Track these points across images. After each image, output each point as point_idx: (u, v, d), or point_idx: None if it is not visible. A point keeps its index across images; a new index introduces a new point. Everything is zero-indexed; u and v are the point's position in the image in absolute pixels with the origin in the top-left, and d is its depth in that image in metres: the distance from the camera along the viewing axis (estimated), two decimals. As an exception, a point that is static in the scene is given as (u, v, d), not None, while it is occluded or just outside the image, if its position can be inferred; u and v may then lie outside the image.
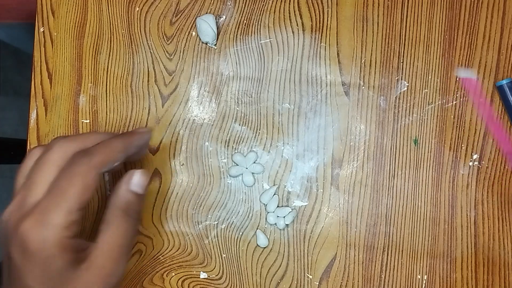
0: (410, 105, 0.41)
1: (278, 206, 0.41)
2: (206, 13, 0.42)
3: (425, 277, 0.40)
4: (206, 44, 0.42)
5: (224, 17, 0.42)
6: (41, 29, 0.43)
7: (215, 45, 0.42)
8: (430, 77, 0.41)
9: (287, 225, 0.41)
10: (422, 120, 0.41)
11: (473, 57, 0.41)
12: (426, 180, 0.41)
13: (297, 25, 0.41)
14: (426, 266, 0.40)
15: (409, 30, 0.41)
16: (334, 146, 0.41)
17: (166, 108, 0.42)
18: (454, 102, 0.41)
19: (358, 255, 0.41)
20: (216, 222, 0.41)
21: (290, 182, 0.41)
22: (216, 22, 0.42)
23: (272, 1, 0.42)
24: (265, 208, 0.41)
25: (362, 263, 0.41)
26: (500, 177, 0.40)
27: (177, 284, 0.41)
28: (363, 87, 0.41)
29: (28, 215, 0.30)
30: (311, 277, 0.41)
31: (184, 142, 0.42)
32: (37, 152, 0.33)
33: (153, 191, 0.41)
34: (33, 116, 0.42)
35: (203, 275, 0.41)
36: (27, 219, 0.29)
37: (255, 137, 0.41)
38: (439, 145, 0.41)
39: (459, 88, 0.41)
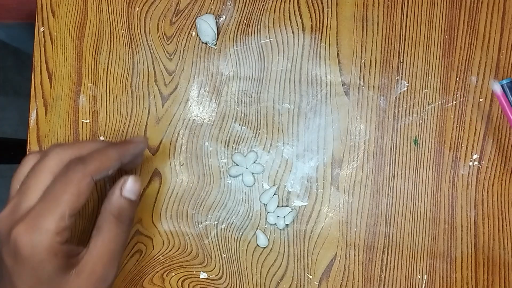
0: (410, 105, 0.41)
1: (278, 206, 0.41)
2: (206, 13, 0.42)
3: (425, 277, 0.40)
4: (206, 44, 0.42)
5: (224, 17, 0.42)
6: (41, 29, 0.43)
7: (215, 45, 0.42)
8: (430, 77, 0.41)
9: (287, 225, 0.41)
10: (422, 120, 0.41)
11: (473, 57, 0.41)
12: (426, 180, 0.41)
13: (297, 25, 0.41)
14: (426, 266, 0.40)
15: (409, 30, 0.41)
16: (334, 146, 0.41)
17: (166, 108, 0.42)
18: (454, 102, 0.41)
19: (358, 255, 0.41)
20: (216, 222, 0.41)
21: (290, 182, 0.41)
22: (216, 22, 0.42)
23: (272, 1, 0.42)
24: (265, 208, 0.41)
25: (362, 263, 0.41)
26: (500, 177, 0.40)
27: (177, 284, 0.41)
28: (363, 87, 0.41)
29: (21, 220, 0.30)
30: (311, 277, 0.41)
31: (184, 142, 0.42)
32: (32, 158, 0.34)
33: (153, 191, 0.41)
34: (33, 116, 0.42)
35: (203, 275, 0.41)
36: (20, 224, 0.30)
37: (255, 137, 0.41)
38: (439, 145, 0.41)
39: (459, 88, 0.41)
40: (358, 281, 0.41)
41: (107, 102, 0.42)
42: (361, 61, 0.41)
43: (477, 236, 0.40)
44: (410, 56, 0.41)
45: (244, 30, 0.42)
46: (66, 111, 0.42)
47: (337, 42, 0.41)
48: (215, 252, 0.41)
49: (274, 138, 0.41)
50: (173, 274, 0.41)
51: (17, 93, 1.20)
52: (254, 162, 0.41)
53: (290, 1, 0.41)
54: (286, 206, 0.41)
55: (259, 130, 0.41)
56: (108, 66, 0.42)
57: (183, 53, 0.42)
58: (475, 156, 0.40)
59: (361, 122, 0.41)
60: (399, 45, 0.41)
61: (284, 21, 0.42)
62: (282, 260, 0.41)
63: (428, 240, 0.40)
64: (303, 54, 0.41)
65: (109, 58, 0.42)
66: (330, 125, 0.41)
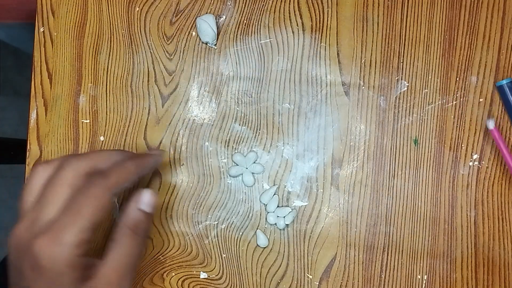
0: (410, 105, 0.41)
1: (278, 206, 0.41)
2: (206, 13, 0.42)
3: (425, 277, 0.40)
4: (206, 44, 0.42)
5: (224, 17, 0.42)
6: (41, 29, 0.43)
7: (215, 45, 0.42)
8: (430, 77, 0.41)
9: (287, 225, 0.41)
10: (422, 120, 0.41)
11: (473, 57, 0.41)
12: (426, 180, 0.41)
13: (297, 25, 0.41)
14: (426, 266, 0.40)
15: (409, 30, 0.41)
16: (334, 146, 0.41)
17: (166, 108, 0.42)
18: (454, 102, 0.41)
19: (358, 255, 0.41)
20: (216, 222, 0.41)
21: (290, 182, 0.41)
22: (216, 22, 0.42)
23: (272, 1, 0.42)
24: (265, 208, 0.41)
25: (362, 263, 0.41)
26: (500, 177, 0.40)
27: (177, 284, 0.41)
28: (363, 87, 0.41)
29: (42, 233, 0.31)
30: (311, 277, 0.41)
31: (184, 142, 0.42)
32: (42, 170, 0.34)
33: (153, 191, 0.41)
34: (33, 116, 0.42)
35: (203, 275, 0.41)
36: (41, 237, 0.30)
37: (255, 137, 0.41)
38: (439, 145, 0.41)
39: (459, 88, 0.41)
40: (358, 281, 0.41)
41: (107, 102, 0.42)
42: (361, 61, 0.41)
43: (477, 236, 0.40)
44: (410, 56, 0.41)
45: (244, 30, 0.42)
46: (66, 111, 0.42)
47: (337, 42, 0.41)
48: (215, 252, 0.41)
49: (274, 138, 0.41)
50: (173, 274, 0.41)
51: (17, 93, 1.20)
52: (254, 162, 0.41)
53: (290, 1, 0.41)
54: (286, 206, 0.41)
55: (259, 130, 0.41)
56: (108, 66, 0.42)
57: (183, 53, 0.42)
58: (475, 156, 0.40)
59: (361, 122, 0.41)
60: (399, 45, 0.41)
61: (284, 21, 0.42)
62: (282, 260, 0.41)
63: (428, 240, 0.40)
64: (303, 54, 0.41)
65: (109, 58, 0.42)
66: (330, 125, 0.41)
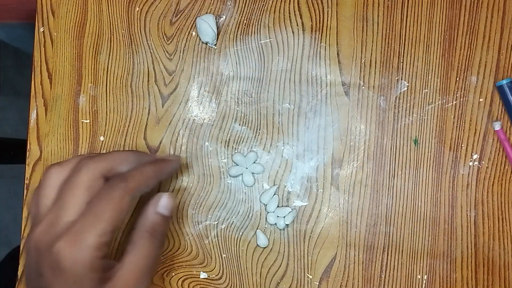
0: (410, 105, 0.41)
1: (278, 206, 0.41)
2: (206, 13, 0.42)
3: (425, 277, 0.40)
4: (206, 44, 0.42)
5: (224, 17, 0.42)
6: (41, 29, 0.43)
7: (215, 45, 0.42)
8: (430, 77, 0.41)
9: (287, 225, 0.41)
10: (422, 120, 0.41)
11: (473, 57, 0.41)
12: (426, 180, 0.41)
13: (297, 25, 0.41)
14: (426, 266, 0.40)
15: (409, 30, 0.41)
16: (334, 146, 0.41)
17: (166, 108, 0.42)
18: (454, 102, 0.41)
19: (358, 255, 0.41)
20: (216, 222, 0.41)
21: (290, 182, 0.41)
22: (216, 22, 0.42)
23: (272, 1, 0.42)
24: (265, 208, 0.41)
25: (362, 263, 0.41)
26: (500, 177, 0.40)
27: (177, 284, 0.41)
28: (363, 87, 0.41)
29: (63, 235, 0.31)
30: (311, 277, 0.41)
31: (184, 142, 0.42)
32: (55, 172, 0.34)
33: (153, 191, 0.41)
34: (33, 116, 0.42)
35: (203, 275, 0.41)
36: (62, 239, 0.31)
37: (255, 137, 0.41)
38: (439, 145, 0.41)
39: (459, 88, 0.41)
40: (358, 281, 0.41)
41: (107, 102, 0.42)
42: (361, 61, 0.41)
43: (477, 236, 0.40)
44: (410, 56, 0.41)
45: (244, 30, 0.42)
46: (66, 111, 0.42)
47: (337, 42, 0.41)
48: (215, 252, 0.41)
49: (274, 138, 0.41)
50: (173, 274, 0.41)
51: (17, 93, 1.20)
52: (254, 162, 0.41)
53: (290, 1, 0.41)
54: (286, 206, 0.41)
55: (259, 130, 0.41)
56: (108, 66, 0.42)
57: (183, 53, 0.42)
58: (475, 156, 0.40)
59: (361, 122, 0.41)
60: (399, 45, 0.41)
61: (284, 21, 0.42)
62: (282, 260, 0.41)
63: (428, 240, 0.40)
64: (303, 54, 0.41)
65: (109, 58, 0.42)
66: (330, 125, 0.41)
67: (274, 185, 0.41)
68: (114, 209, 0.32)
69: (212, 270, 0.41)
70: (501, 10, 0.41)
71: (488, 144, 0.40)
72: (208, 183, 0.41)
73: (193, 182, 0.41)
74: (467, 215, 0.40)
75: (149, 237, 0.34)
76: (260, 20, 0.42)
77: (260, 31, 0.42)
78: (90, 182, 0.33)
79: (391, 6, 0.41)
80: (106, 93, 0.42)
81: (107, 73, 0.42)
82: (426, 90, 0.41)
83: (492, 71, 0.41)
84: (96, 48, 0.42)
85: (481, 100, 0.41)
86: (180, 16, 0.42)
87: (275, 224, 0.41)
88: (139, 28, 0.42)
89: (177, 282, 0.41)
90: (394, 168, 0.41)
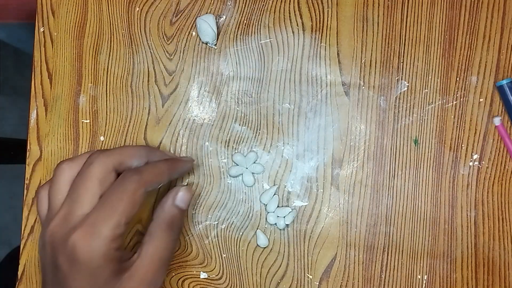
0: (410, 105, 0.41)
1: (278, 206, 0.41)
2: (206, 13, 0.42)
3: (425, 277, 0.40)
4: (206, 44, 0.42)
5: (224, 17, 0.42)
6: (41, 29, 0.43)
7: (215, 45, 0.42)
8: (430, 77, 0.41)
9: (287, 225, 0.41)
10: (422, 120, 0.41)
11: (473, 57, 0.41)
12: (426, 180, 0.41)
13: (297, 25, 0.41)
14: (426, 266, 0.40)
15: (409, 30, 0.41)
16: (334, 146, 0.41)
17: (166, 108, 0.42)
18: (454, 102, 0.41)
19: (358, 255, 0.41)
20: (216, 222, 0.41)
21: (290, 182, 0.41)
22: (216, 22, 0.42)
23: (272, 1, 0.42)
24: (265, 208, 0.41)
25: (362, 263, 0.41)
26: (500, 177, 0.40)
27: (177, 284, 0.41)
28: (363, 87, 0.41)
29: (78, 227, 0.31)
30: (311, 277, 0.41)
31: (184, 142, 0.42)
32: (67, 168, 0.35)
33: (153, 191, 0.41)
34: (33, 116, 0.42)
35: (203, 275, 0.41)
36: (78, 231, 0.31)
37: (255, 137, 0.41)
38: (439, 145, 0.41)
39: (459, 88, 0.41)
40: (358, 281, 0.41)
41: (107, 102, 0.42)
42: (361, 61, 0.41)
43: (477, 236, 0.40)
44: (410, 56, 0.41)
45: (244, 30, 0.42)
46: (66, 111, 0.42)
47: (337, 42, 0.41)
48: (215, 252, 0.41)
49: (274, 138, 0.41)
50: (173, 274, 0.41)
51: (17, 93, 1.20)
52: (254, 162, 0.41)
53: (290, 1, 0.41)
54: (286, 206, 0.41)
55: (259, 130, 0.41)
56: (108, 66, 0.42)
57: (183, 53, 0.42)
58: (475, 156, 0.40)
59: (361, 122, 0.41)
60: (399, 45, 0.41)
61: (284, 21, 0.42)
62: (282, 260, 0.41)
63: (428, 240, 0.40)
64: (303, 54, 0.41)
65: (109, 58, 0.42)
66: (330, 125, 0.41)
67: (274, 185, 0.41)
68: (128, 201, 0.32)
69: (212, 270, 0.41)
70: (501, 10, 0.41)
71: (488, 144, 0.40)
72: (208, 183, 0.41)
73: (193, 182, 0.41)
74: (467, 215, 0.40)
75: (167, 229, 0.34)
76: (260, 20, 0.42)
77: (260, 31, 0.42)
78: (102, 175, 0.33)
79: (391, 6, 0.41)
80: (106, 93, 0.42)
81: (107, 73, 0.42)
82: (426, 90, 0.41)
83: (492, 71, 0.41)
84: (96, 48, 0.42)
85: (481, 100, 0.41)
86: (180, 16, 0.42)
87: (275, 224, 0.41)
88: (139, 28, 0.42)
89: (177, 282, 0.41)
90: (394, 168, 0.41)
